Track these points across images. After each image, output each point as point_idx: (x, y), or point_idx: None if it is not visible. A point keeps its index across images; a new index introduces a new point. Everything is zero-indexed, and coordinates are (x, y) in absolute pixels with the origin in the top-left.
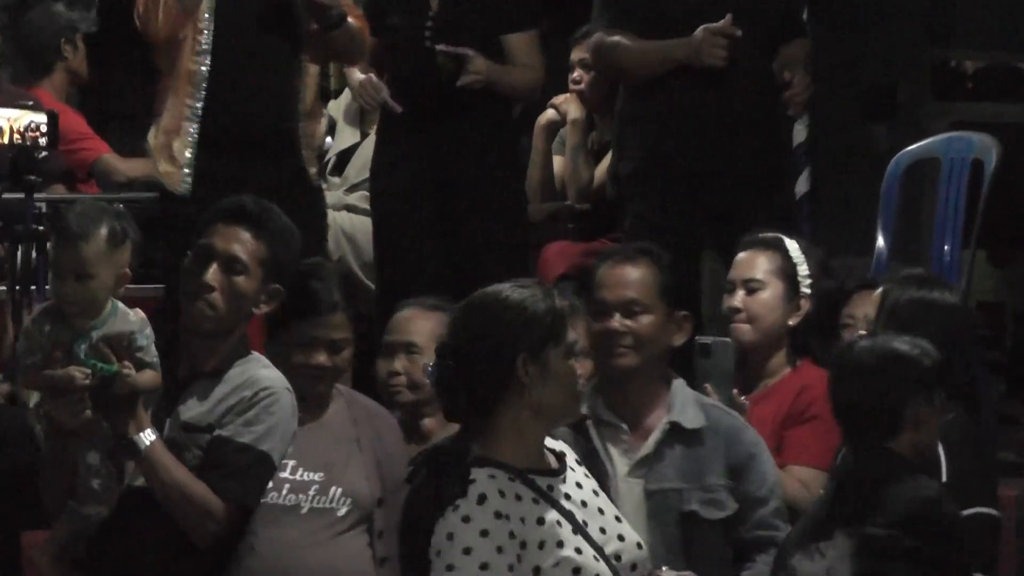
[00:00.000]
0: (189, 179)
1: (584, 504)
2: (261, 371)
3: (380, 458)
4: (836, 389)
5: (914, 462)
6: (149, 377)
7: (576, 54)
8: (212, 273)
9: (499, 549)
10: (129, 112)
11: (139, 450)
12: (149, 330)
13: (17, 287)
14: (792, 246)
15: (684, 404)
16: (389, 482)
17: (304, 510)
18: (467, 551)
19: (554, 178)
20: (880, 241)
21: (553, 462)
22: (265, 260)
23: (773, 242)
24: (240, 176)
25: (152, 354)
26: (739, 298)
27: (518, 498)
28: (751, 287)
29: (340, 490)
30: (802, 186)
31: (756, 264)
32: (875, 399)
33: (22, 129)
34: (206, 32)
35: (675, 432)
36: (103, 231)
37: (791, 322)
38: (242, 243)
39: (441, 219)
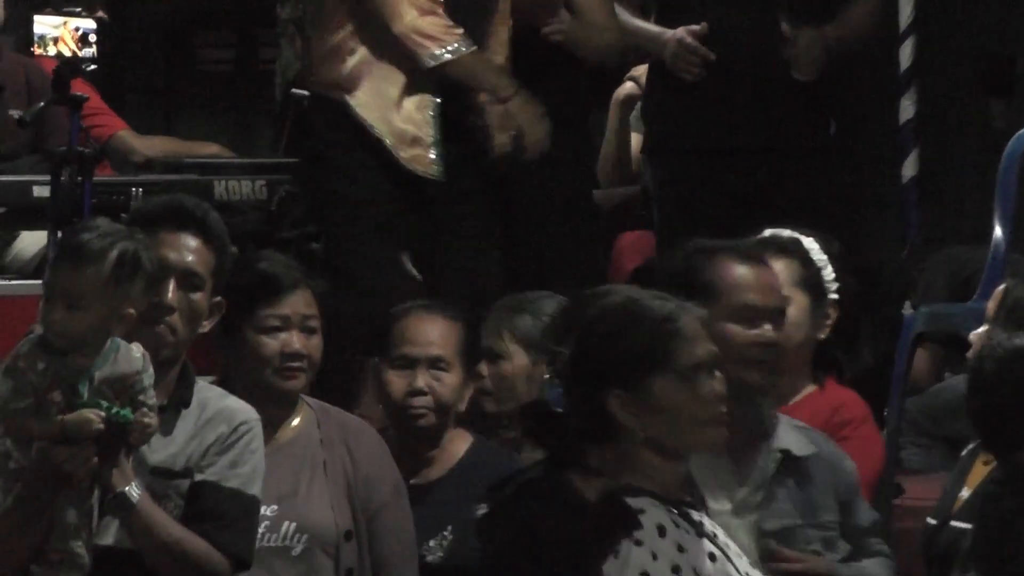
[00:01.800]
0: (440, 159)
1: (727, 546)
2: (228, 401)
3: (353, 483)
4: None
5: None
6: (154, 425)
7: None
8: (171, 292)
9: (675, 568)
10: (147, 86)
11: (132, 504)
12: (151, 370)
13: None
14: (812, 246)
15: (785, 427)
16: (363, 510)
17: None
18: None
19: (631, 159)
20: (997, 230)
21: (694, 499)
22: (214, 270)
23: (790, 245)
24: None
25: (152, 397)
26: None
27: (676, 527)
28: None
29: (294, 525)
30: (909, 169)
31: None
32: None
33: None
34: None
35: (786, 461)
36: (111, 256)
37: (820, 335)
38: (195, 253)
39: (498, 205)
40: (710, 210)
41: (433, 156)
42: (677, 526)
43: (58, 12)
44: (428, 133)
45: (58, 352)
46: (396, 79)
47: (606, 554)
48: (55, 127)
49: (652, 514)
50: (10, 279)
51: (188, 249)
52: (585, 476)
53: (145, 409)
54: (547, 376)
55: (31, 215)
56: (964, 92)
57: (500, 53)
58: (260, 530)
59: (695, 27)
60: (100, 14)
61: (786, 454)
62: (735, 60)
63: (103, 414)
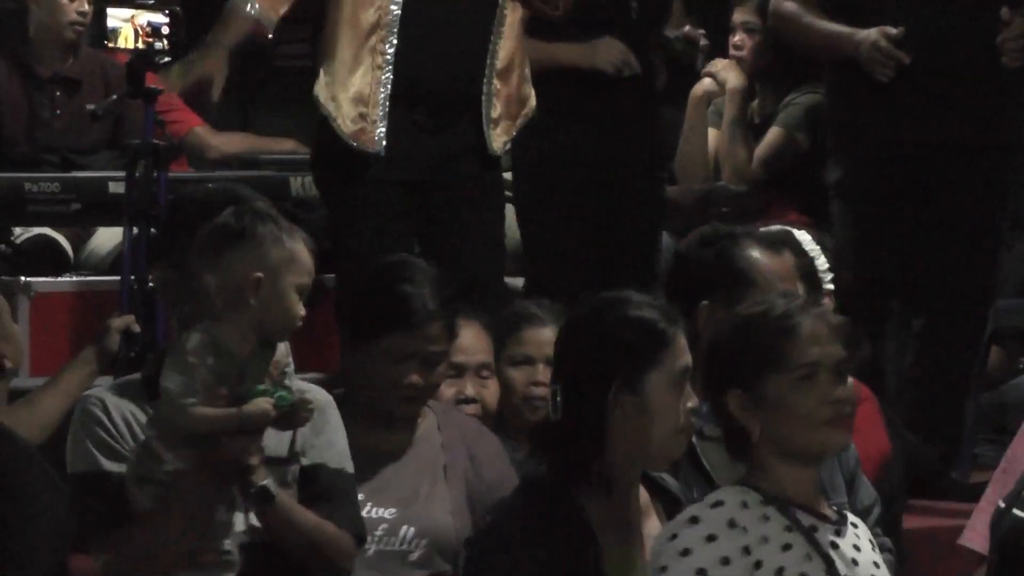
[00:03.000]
0: (384, 134)
1: (855, 563)
2: (301, 385)
3: (475, 488)
4: None
5: None
6: (315, 404)
7: (738, 16)
8: None
9: (724, 560)
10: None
11: (272, 496)
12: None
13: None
14: (804, 238)
15: None
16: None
17: (370, 552)
18: (686, 552)
19: (708, 155)
20: None
21: (831, 514)
22: None
23: (781, 236)
24: (418, 141)
25: (294, 381)
26: None
27: (765, 518)
28: None
29: (413, 529)
30: None
31: None
32: None
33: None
34: None
35: None
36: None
37: None
38: None
39: (594, 205)
40: (903, 203)
41: (377, 133)
42: (745, 507)
43: (131, 5)
44: (375, 109)
45: (222, 348)
46: (347, 56)
47: None
48: (132, 121)
49: (730, 507)
50: (87, 275)
51: None
52: (593, 492)
53: (306, 389)
54: None
55: (107, 211)
56: None
57: (510, 39)
58: (378, 533)
59: (891, 30)
60: (174, 7)
61: None
62: (934, 57)
63: (273, 401)
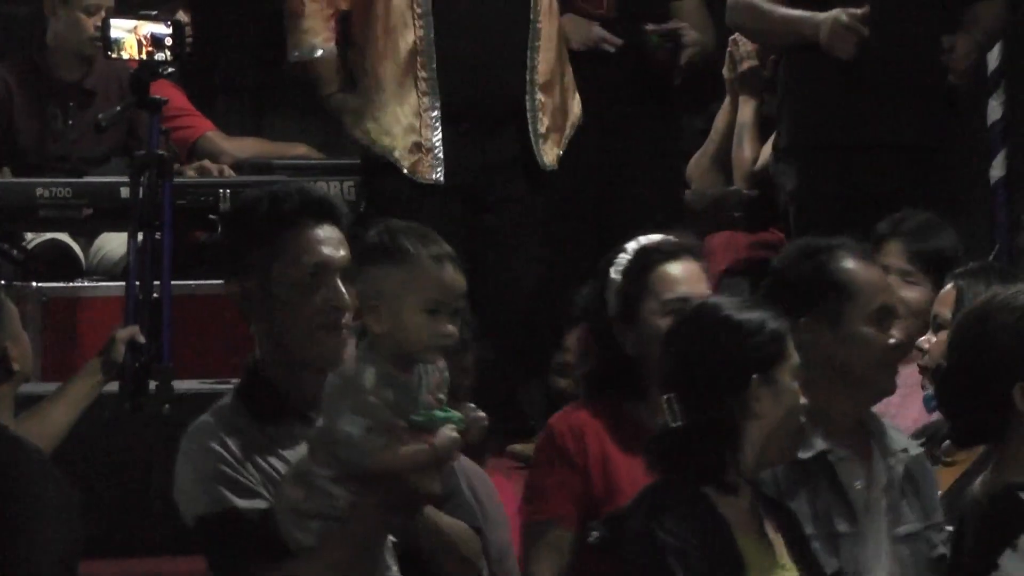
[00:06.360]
0: (441, 163)
1: None
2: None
3: (483, 527)
4: None
5: None
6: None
7: None
8: (344, 292)
9: None
10: (237, 86)
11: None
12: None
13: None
14: None
15: (889, 426)
16: (492, 555)
17: None
18: None
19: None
20: None
21: None
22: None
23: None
24: (464, 152)
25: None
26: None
27: None
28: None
29: None
30: (997, 170)
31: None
32: None
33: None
34: None
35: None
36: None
37: None
38: (344, 245)
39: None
40: (850, 208)
41: (433, 161)
42: None
43: (134, 16)
44: (429, 136)
45: (394, 378)
46: (392, 86)
47: (1003, 547)
48: (143, 130)
49: None
50: (99, 280)
51: (341, 243)
52: (723, 493)
53: (472, 404)
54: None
55: (118, 216)
56: None
57: (551, 52)
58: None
59: (854, 10)
60: (178, 16)
61: (906, 453)
62: (880, 55)
63: (456, 427)
